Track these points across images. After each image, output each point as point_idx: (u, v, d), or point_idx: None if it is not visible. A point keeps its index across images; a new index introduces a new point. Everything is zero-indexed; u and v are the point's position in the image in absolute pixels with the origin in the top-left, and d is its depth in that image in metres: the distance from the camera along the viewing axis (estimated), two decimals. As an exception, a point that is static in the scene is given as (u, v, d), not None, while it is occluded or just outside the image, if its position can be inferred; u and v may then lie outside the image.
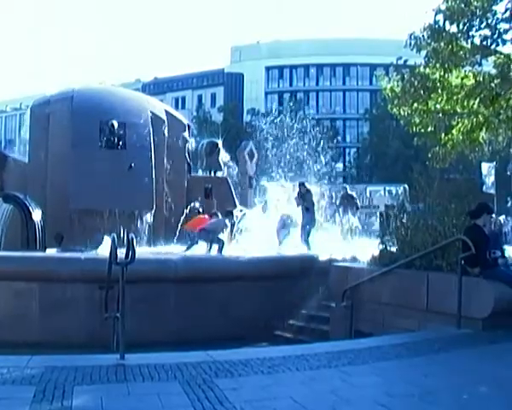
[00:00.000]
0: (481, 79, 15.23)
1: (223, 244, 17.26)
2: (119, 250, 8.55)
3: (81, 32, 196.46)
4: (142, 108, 20.62)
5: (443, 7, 15.05)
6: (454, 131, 16.25)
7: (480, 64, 15.45)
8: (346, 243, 19.29)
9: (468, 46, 15.09)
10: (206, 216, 18.72)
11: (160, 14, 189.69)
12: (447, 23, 15.10)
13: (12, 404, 6.10)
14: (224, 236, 17.90)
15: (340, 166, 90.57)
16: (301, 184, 20.07)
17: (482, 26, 14.85)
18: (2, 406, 6.02)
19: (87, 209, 18.08)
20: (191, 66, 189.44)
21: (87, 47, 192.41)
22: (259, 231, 19.22)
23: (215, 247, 17.40)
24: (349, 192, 27.17)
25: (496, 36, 14.79)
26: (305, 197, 19.21)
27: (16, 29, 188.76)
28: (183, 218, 19.74)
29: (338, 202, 26.12)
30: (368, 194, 49.16)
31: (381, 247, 12.74)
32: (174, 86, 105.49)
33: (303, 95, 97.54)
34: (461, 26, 14.95)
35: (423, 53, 15.55)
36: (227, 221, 18.21)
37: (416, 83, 15.75)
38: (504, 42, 14.87)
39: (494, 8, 14.67)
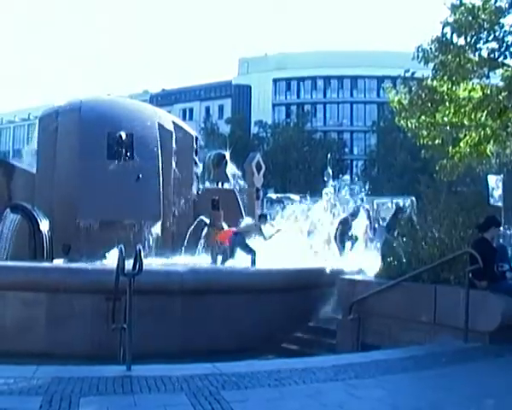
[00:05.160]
0: (489, 91, 15.21)
1: (255, 255, 17.21)
2: (126, 261, 8.58)
3: (89, 42, 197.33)
4: (149, 119, 20.63)
5: (450, 19, 15.07)
6: (461, 144, 16.21)
7: (488, 77, 15.44)
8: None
9: (476, 59, 15.09)
10: (234, 229, 18.72)
11: (168, 25, 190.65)
12: (455, 36, 15.11)
13: (19, 415, 6.11)
14: (256, 240, 17.91)
15: (347, 178, 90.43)
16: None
17: (490, 38, 14.85)
18: (9, 416, 6.02)
19: (94, 220, 18.09)
20: (199, 77, 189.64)
21: (95, 58, 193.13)
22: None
23: (248, 257, 17.32)
24: (364, 205, 27.13)
25: (503, 49, 14.79)
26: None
27: (24, 40, 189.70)
28: (190, 230, 19.73)
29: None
30: (375, 206, 49.01)
31: (388, 260, 12.72)
32: (182, 98, 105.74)
33: (310, 107, 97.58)
34: (468, 39, 14.95)
35: (431, 65, 15.54)
36: (262, 226, 18.22)
37: (423, 95, 15.74)
38: (512, 54, 14.89)
39: (502, 20, 14.67)
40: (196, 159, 22.18)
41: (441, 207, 12.44)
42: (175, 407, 6.52)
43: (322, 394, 7.26)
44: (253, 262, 17.08)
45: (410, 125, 16.31)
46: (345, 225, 20.32)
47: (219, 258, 18.33)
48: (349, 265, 15.76)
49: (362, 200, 28.62)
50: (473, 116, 15.53)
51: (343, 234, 20.29)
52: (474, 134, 15.97)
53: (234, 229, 18.51)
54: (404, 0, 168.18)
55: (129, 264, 8.54)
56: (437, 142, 16.33)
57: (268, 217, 19.67)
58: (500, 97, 14.86)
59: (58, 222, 17.78)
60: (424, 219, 12.61)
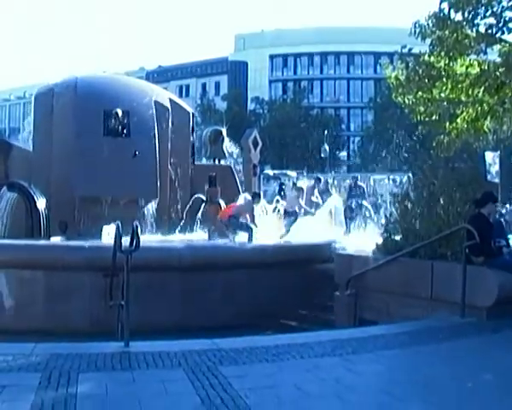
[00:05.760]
0: (486, 67, 15.16)
1: (251, 231, 17.24)
2: (123, 238, 8.59)
3: (85, 20, 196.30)
4: (146, 96, 20.53)
5: (448, -5, 14.99)
6: (458, 120, 16.17)
7: (485, 52, 15.37)
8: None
9: (473, 34, 15.00)
10: (237, 204, 18.65)
11: (164, 2, 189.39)
12: (452, 11, 15.01)
13: (18, 391, 6.14)
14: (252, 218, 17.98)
15: (344, 154, 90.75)
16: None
17: (487, 14, 14.75)
18: (9, 393, 6.05)
19: (91, 197, 18.08)
20: (195, 54, 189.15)
21: (91, 35, 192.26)
22: None
23: (245, 235, 17.33)
24: (359, 183, 27.18)
25: (501, 24, 14.69)
26: None
27: (19, 17, 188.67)
28: (187, 208, 19.73)
29: (346, 194, 26.15)
30: (372, 182, 49.01)
31: (385, 235, 12.74)
32: (178, 74, 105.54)
33: (307, 83, 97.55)
34: (466, 15, 14.85)
35: (428, 41, 15.46)
36: (254, 205, 18.26)
37: (420, 71, 15.68)
38: (510, 30, 14.77)
39: (499, -5, 14.60)
40: (193, 135, 22.10)
41: (438, 183, 12.44)
42: (173, 382, 6.56)
43: (320, 369, 7.30)
44: (250, 238, 17.10)
45: (407, 101, 16.26)
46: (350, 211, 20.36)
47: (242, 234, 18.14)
48: (347, 241, 15.79)
49: (356, 178, 28.74)
50: (470, 92, 15.48)
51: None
52: (471, 110, 15.93)
53: (235, 204, 18.43)
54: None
55: (126, 241, 8.55)
56: (434, 118, 16.30)
57: (261, 195, 19.74)
58: (497, 73, 14.80)
59: (55, 200, 17.76)
60: (421, 195, 12.62)
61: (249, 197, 18.90)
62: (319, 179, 25.97)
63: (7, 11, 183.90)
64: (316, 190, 22.67)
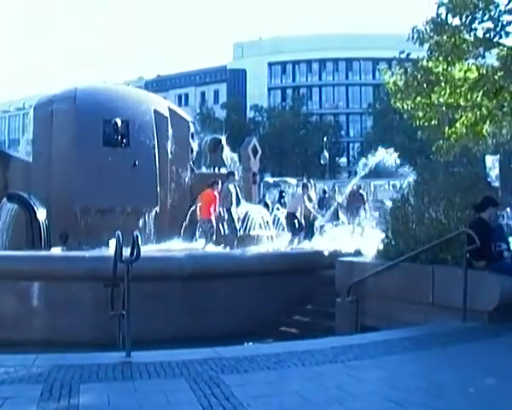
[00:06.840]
0: (484, 71, 15.17)
1: (237, 236, 17.38)
2: (123, 248, 8.57)
3: (84, 30, 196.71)
4: (145, 105, 20.58)
5: (445, 0, 15.01)
6: (458, 125, 16.19)
7: (484, 57, 15.38)
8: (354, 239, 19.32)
9: (471, 39, 15.02)
10: (209, 189, 18.75)
11: (162, 11, 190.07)
12: (450, 16, 15.03)
13: (19, 403, 6.11)
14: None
15: (344, 160, 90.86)
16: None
17: (485, 18, 14.77)
18: (10, 405, 6.03)
19: (91, 208, 18.09)
20: (194, 63, 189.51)
21: (90, 46, 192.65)
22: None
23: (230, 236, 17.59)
24: (360, 191, 27.20)
25: (499, 28, 14.71)
26: None
27: (18, 28, 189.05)
28: (187, 216, 19.74)
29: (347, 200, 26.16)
30: (372, 188, 48.96)
31: (385, 241, 12.72)
32: (177, 83, 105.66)
33: (306, 90, 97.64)
34: (463, 19, 14.86)
35: (426, 46, 15.49)
36: (230, 186, 18.45)
37: (419, 76, 15.69)
38: (507, 34, 14.80)
39: (496, 0, 14.62)
40: (192, 144, 22.11)
41: (438, 188, 12.43)
42: (175, 392, 6.54)
43: (322, 376, 7.28)
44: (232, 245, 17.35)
45: (405, 106, 16.26)
46: None
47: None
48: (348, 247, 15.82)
49: (359, 185, 28.76)
50: (469, 96, 15.50)
51: None
52: (470, 114, 15.94)
53: (214, 192, 18.54)
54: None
55: (126, 251, 8.53)
56: (433, 123, 16.31)
57: (236, 174, 20.25)
58: (496, 77, 14.81)
59: (55, 210, 17.77)
60: (421, 200, 12.61)
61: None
62: (324, 191, 26.24)
63: (7, 11, 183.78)
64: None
